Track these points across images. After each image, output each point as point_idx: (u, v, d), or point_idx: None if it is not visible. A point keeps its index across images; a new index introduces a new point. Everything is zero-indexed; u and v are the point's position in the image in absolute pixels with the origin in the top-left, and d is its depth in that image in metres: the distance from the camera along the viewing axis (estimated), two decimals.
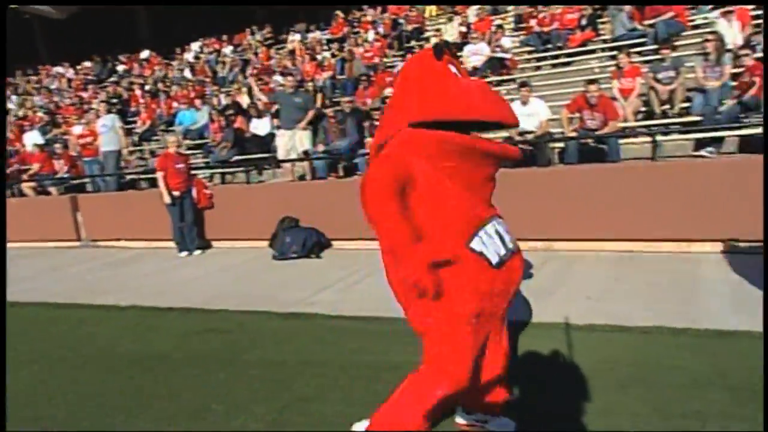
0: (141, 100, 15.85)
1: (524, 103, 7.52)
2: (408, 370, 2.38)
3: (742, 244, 5.27)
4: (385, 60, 13.60)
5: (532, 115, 7.43)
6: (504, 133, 7.50)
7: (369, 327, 4.33)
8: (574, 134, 7.25)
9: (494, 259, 2.23)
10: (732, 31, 8.65)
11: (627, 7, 10.84)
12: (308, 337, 4.23)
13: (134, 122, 14.93)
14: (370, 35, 15.27)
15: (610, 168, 6.32)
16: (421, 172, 2.18)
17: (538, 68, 11.81)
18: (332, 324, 4.50)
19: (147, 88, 16.76)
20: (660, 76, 7.64)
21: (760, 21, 9.13)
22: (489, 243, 2.24)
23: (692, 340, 3.56)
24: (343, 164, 9.04)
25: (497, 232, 2.30)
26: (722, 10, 9.13)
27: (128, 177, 11.43)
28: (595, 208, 5.78)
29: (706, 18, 10.19)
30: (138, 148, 13.58)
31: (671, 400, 2.84)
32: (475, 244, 2.21)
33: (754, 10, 9.60)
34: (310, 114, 8.92)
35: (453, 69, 2.28)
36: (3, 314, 4.90)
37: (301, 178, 8.88)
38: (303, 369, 3.60)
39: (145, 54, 20.47)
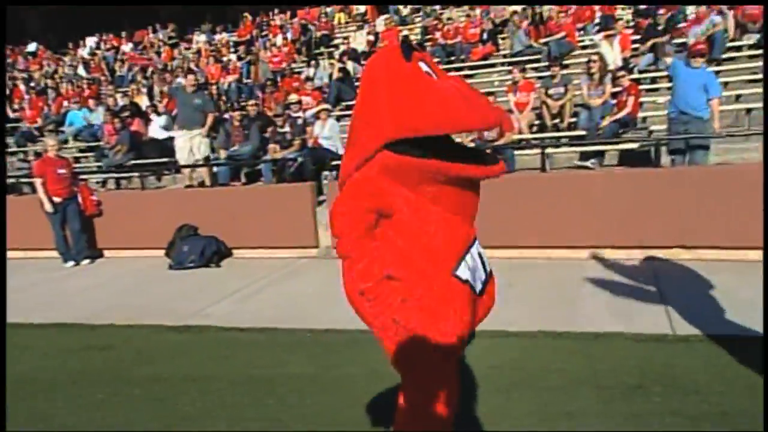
0: (26, 96, 14.64)
1: None
2: (303, 382, 2.32)
3: (619, 251, 5.68)
4: (293, 65, 13.48)
5: None
6: None
7: (264, 339, 4.24)
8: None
9: (478, 287, 2.10)
10: (613, 53, 9.36)
11: (524, 25, 11.44)
12: (199, 352, 4.06)
13: (17, 120, 13.76)
14: (279, 40, 15.08)
15: (505, 178, 6.59)
16: (401, 198, 1.98)
17: None
18: (226, 336, 4.35)
19: (33, 84, 15.52)
20: (551, 91, 8.14)
21: (638, 45, 9.98)
22: (473, 268, 2.10)
23: (571, 343, 3.77)
24: (245, 170, 8.82)
25: (479, 254, 2.16)
26: (605, 33, 9.87)
27: (9, 181, 10.47)
28: (491, 217, 5.98)
29: (591, 39, 10.97)
30: (22, 149, 12.51)
31: (549, 402, 2.99)
32: (461, 272, 2.05)
33: (633, 34, 10.47)
34: (210, 119, 8.63)
35: (425, 68, 1.99)
36: (3, 315, 4.60)
37: (201, 184, 8.56)
38: (190, 386, 3.45)
39: (32, 47, 18.97)
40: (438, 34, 12.74)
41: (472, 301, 2.06)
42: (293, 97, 8.91)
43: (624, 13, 12.23)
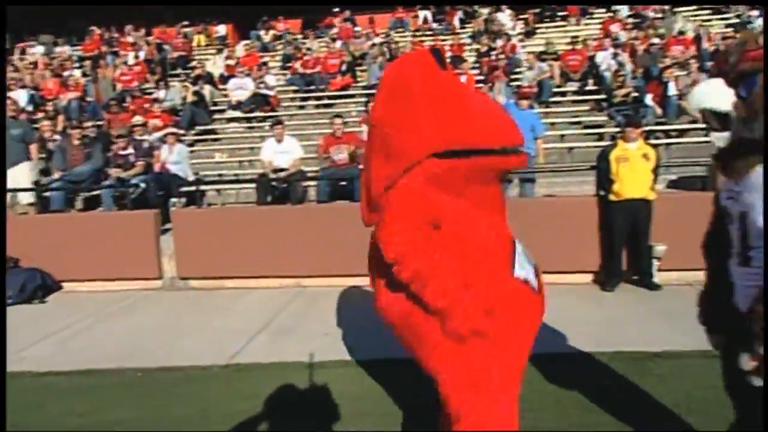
0: None
1: (279, 141, 7.69)
2: (126, 428, 2.12)
3: None
4: (146, 86, 12.77)
5: (286, 152, 7.63)
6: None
7: (87, 382, 3.87)
8: (326, 164, 7.64)
9: (534, 283, 2.04)
10: None
11: (380, 59, 11.94)
12: (10, 402, 3.58)
13: None
14: (130, 58, 14.22)
15: (356, 206, 6.75)
16: (450, 205, 1.92)
17: (302, 107, 12.26)
18: (42, 382, 3.91)
19: None
20: None
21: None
22: (524, 263, 2.04)
23: (409, 370, 3.89)
24: (83, 196, 8.08)
25: (522, 248, 2.10)
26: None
27: None
28: (345, 245, 6.08)
29: None
30: None
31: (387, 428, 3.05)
32: (519, 272, 2.00)
33: (478, 75, 11.38)
34: (33, 150, 7.80)
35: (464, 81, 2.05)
36: (3, 318, 4.55)
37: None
38: None
39: None
40: (298, 63, 12.83)
41: (533, 301, 2.04)
42: (138, 119, 8.37)
43: (470, 54, 13.26)
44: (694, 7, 15.07)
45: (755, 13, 12.97)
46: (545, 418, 3.06)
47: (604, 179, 5.49)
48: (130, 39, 15.76)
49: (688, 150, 8.06)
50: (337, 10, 16.76)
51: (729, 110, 1.90)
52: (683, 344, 3.83)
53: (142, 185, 7.07)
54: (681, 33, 12.13)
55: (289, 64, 13.53)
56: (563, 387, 3.42)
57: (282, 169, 7.50)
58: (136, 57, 14.24)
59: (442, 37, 14.54)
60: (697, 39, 11.47)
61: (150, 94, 11.85)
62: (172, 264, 6.47)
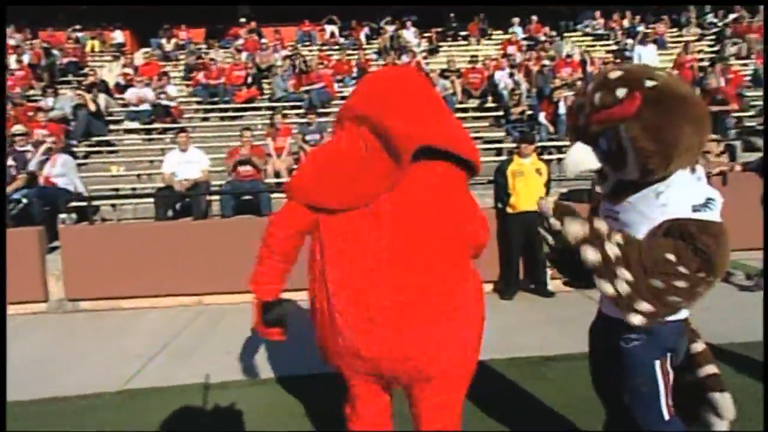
0: None
1: (183, 150, 7.40)
2: None
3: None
4: (31, 93, 11.86)
5: (192, 162, 7.36)
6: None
7: None
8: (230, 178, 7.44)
9: None
10: None
11: (286, 74, 11.87)
12: None
13: None
14: (13, 62, 13.14)
15: (261, 221, 6.64)
16: None
17: (205, 119, 11.90)
18: None
19: None
20: (308, 138, 8.51)
21: None
22: None
23: (313, 385, 3.86)
24: None
25: None
26: None
27: None
28: (250, 260, 5.96)
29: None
30: None
31: None
32: None
33: None
34: None
35: None
36: (3, 317, 4.43)
37: None
38: None
39: None
40: (201, 74, 12.44)
41: None
42: (19, 128, 7.73)
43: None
44: (580, 33, 16.36)
45: (630, 41, 14.29)
46: None
47: (502, 192, 5.78)
48: (12, 42, 14.54)
49: None
50: (243, 20, 16.48)
51: (599, 167, 2.05)
52: (574, 348, 4.08)
53: (24, 200, 6.52)
54: (569, 56, 13.09)
55: (192, 75, 13.09)
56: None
57: (187, 180, 7.21)
58: (19, 61, 13.17)
59: (348, 52, 14.70)
60: (583, 63, 12.45)
61: (35, 101, 11.00)
62: (60, 285, 6.01)
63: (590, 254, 1.85)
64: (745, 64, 12.58)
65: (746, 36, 13.80)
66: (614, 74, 1.94)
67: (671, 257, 1.79)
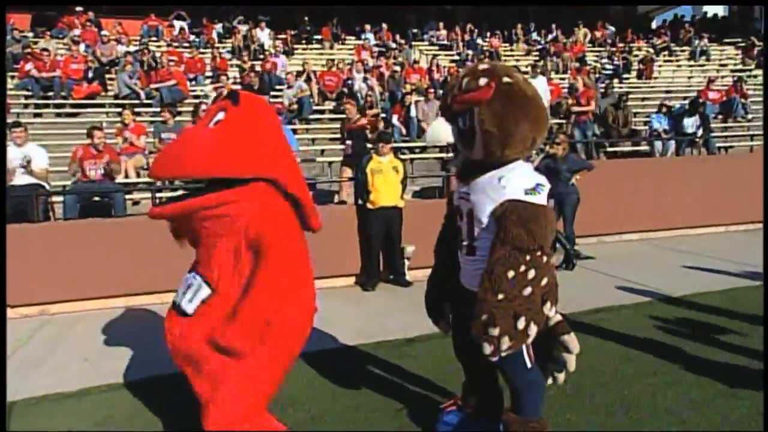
0: None
1: (19, 145, 6.67)
2: None
3: None
4: None
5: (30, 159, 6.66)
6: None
7: None
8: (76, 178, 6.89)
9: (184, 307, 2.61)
10: None
11: (129, 69, 11.18)
12: None
13: None
14: None
15: (112, 222, 6.29)
16: None
17: (38, 115, 10.79)
18: None
19: None
20: (163, 136, 8.16)
21: None
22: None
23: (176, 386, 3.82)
24: None
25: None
26: (215, 85, 10.55)
27: None
28: (101, 265, 5.63)
29: (203, 90, 11.54)
30: None
31: None
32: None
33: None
34: None
35: None
36: (3, 317, 4.27)
37: None
38: None
39: None
40: (30, 65, 11.21)
41: None
42: None
43: (233, 71, 13.23)
44: (426, 43, 17.51)
45: (471, 51, 15.64)
46: (322, 409, 3.33)
47: (362, 189, 6.10)
48: None
49: (427, 165, 9.35)
50: (80, 9, 15.10)
51: (452, 141, 2.45)
52: (431, 329, 4.52)
53: None
54: (416, 62, 13.99)
55: (18, 66, 11.73)
56: (335, 378, 3.75)
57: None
58: None
59: (201, 50, 14.21)
60: (429, 70, 13.38)
61: None
62: None
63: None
64: (563, 78, 14.44)
65: (562, 54, 15.88)
66: (482, 66, 2.38)
67: (511, 272, 2.21)
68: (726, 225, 8.53)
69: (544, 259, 2.27)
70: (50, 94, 10.93)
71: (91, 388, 3.74)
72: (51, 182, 7.16)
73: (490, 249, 2.33)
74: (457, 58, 15.77)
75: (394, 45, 15.88)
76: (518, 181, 2.32)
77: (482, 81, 2.30)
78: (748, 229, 8.44)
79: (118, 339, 4.74)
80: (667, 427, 2.96)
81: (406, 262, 6.32)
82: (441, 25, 17.93)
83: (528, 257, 2.23)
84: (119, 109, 10.23)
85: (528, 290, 2.23)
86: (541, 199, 2.31)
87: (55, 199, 6.93)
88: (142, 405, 3.48)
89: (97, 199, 6.84)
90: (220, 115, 2.46)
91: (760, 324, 4.33)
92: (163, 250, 5.82)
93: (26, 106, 10.94)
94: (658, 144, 10.00)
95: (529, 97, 2.36)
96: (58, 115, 10.80)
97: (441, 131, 2.20)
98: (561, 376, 2.67)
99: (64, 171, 7.58)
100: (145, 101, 10.84)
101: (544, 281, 2.28)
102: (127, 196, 6.91)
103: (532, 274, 2.23)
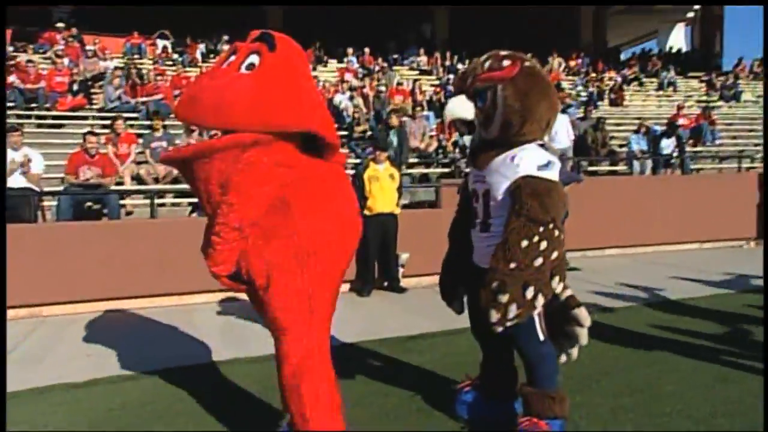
0: None
1: (15, 149, 6.64)
2: None
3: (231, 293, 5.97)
4: None
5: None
6: None
7: None
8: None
9: None
10: None
11: (117, 81, 11.15)
12: None
13: None
14: None
15: (105, 225, 6.25)
16: None
17: (21, 125, 10.62)
18: None
19: None
20: (154, 145, 8.15)
21: None
22: None
23: (190, 374, 3.82)
24: None
25: None
26: None
27: None
28: (96, 267, 5.56)
29: None
30: None
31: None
32: None
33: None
34: None
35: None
36: (3, 315, 4.45)
37: None
38: None
39: None
40: (14, 77, 11.10)
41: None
42: None
43: None
44: (407, 68, 17.94)
45: (451, 76, 16.06)
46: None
47: (359, 196, 6.20)
48: None
49: (414, 180, 9.54)
50: (61, 25, 15.06)
51: (472, 118, 2.60)
52: (433, 328, 4.66)
53: None
54: (399, 84, 14.33)
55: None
56: (343, 370, 3.76)
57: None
58: None
59: (187, 69, 14.26)
60: (412, 92, 13.74)
61: None
62: None
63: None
64: None
65: None
66: (503, 52, 2.57)
67: (524, 242, 2.34)
68: (701, 242, 8.89)
69: (556, 233, 2.40)
70: (33, 105, 10.82)
71: (100, 379, 3.72)
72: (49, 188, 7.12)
73: (505, 222, 2.45)
74: (437, 82, 16.16)
75: (377, 68, 16.21)
76: (531, 158, 2.48)
77: (505, 62, 2.49)
78: (718, 247, 8.85)
79: (119, 338, 4.71)
80: (671, 407, 3.10)
81: (401, 270, 6.41)
82: (422, 51, 18.42)
83: (541, 228, 2.36)
84: (103, 122, 10.19)
85: (539, 261, 2.36)
86: (553, 174, 2.46)
87: (46, 203, 6.84)
88: (156, 393, 3.48)
89: (89, 204, 6.79)
90: (254, 59, 2.22)
91: (748, 323, 4.59)
92: (155, 253, 5.85)
93: (8, 116, 10.76)
94: (636, 164, 10.40)
95: (548, 81, 2.58)
96: (40, 126, 10.65)
97: (462, 105, 2.30)
98: (574, 352, 2.79)
99: (50, 178, 7.54)
100: (132, 114, 10.78)
101: (555, 254, 2.40)
102: (121, 201, 6.87)
103: (544, 245, 2.36)
